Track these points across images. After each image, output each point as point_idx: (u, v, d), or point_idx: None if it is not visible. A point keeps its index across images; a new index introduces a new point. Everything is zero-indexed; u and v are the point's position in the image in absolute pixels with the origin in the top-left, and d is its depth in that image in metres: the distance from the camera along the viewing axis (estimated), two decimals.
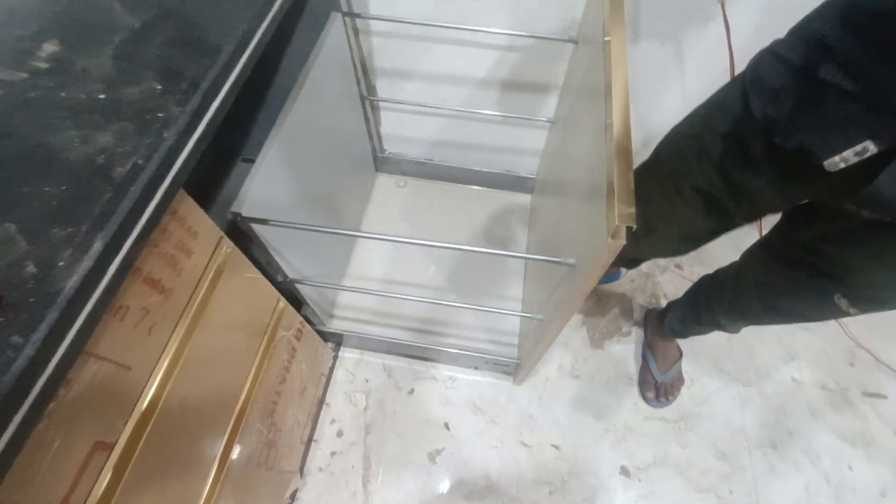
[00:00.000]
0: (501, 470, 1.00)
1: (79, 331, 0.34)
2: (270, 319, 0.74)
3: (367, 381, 1.09)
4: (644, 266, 1.25)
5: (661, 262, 1.27)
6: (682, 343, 1.11)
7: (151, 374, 0.47)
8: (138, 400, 0.46)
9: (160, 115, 0.42)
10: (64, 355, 0.33)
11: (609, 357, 1.13)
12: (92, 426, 0.41)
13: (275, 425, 0.80)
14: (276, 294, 0.75)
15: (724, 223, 0.65)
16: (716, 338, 1.15)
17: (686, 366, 1.10)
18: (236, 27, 0.50)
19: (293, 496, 0.94)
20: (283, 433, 0.85)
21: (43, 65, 0.45)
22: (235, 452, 0.67)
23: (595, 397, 1.08)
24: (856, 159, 0.42)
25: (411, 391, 1.08)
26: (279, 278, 0.78)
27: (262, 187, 0.66)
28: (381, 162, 1.34)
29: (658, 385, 1.05)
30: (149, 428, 0.47)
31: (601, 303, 1.20)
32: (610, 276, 1.18)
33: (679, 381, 1.07)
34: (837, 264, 0.56)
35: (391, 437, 1.03)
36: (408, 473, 0.99)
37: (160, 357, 0.48)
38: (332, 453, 1.01)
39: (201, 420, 0.58)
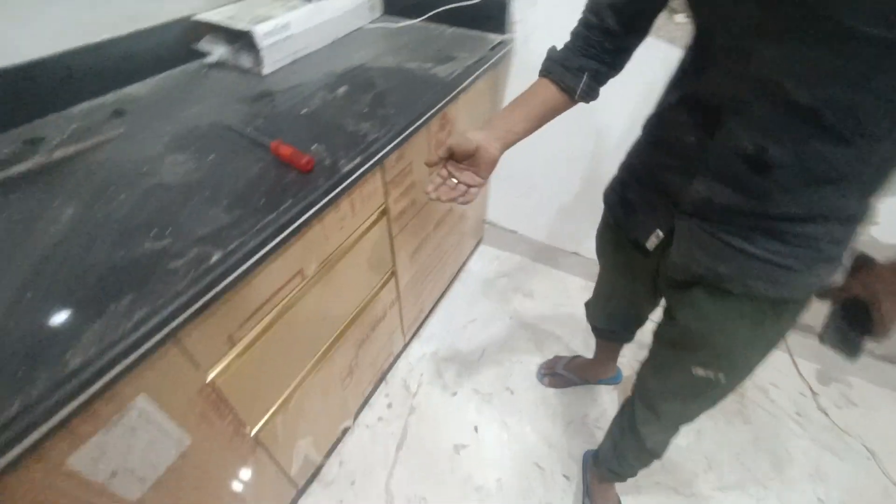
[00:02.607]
0: (513, 480, 1.12)
1: (336, 193, 0.70)
2: (387, 272, 1.07)
3: (421, 374, 1.34)
4: None
5: None
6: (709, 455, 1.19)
7: (338, 246, 0.82)
8: (328, 255, 0.81)
9: (391, 119, 0.83)
10: (327, 202, 0.69)
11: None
12: (301, 258, 0.76)
13: (356, 357, 1.08)
14: (392, 263, 1.09)
15: (637, 292, 0.83)
16: (740, 437, 1.21)
17: (711, 454, 1.17)
18: (432, 99, 0.93)
19: (343, 432, 1.17)
20: (358, 370, 1.12)
21: (340, 94, 0.91)
22: (337, 349, 0.96)
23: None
24: (656, 241, 0.66)
25: (455, 393, 1.29)
26: None
27: None
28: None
29: None
30: (327, 274, 0.81)
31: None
32: (612, 377, 1.29)
33: None
34: (685, 331, 0.67)
35: (429, 422, 1.23)
36: (433, 454, 1.17)
37: (345, 240, 0.84)
38: (379, 418, 1.24)
39: (339, 300, 0.91)
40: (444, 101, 0.94)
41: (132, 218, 0.61)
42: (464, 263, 1.67)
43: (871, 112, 0.44)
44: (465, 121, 1.16)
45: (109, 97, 0.92)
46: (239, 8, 1.07)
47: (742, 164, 0.52)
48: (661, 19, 0.61)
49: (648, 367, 0.79)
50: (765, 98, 0.48)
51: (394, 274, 1.10)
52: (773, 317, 0.60)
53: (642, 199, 0.67)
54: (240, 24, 0.98)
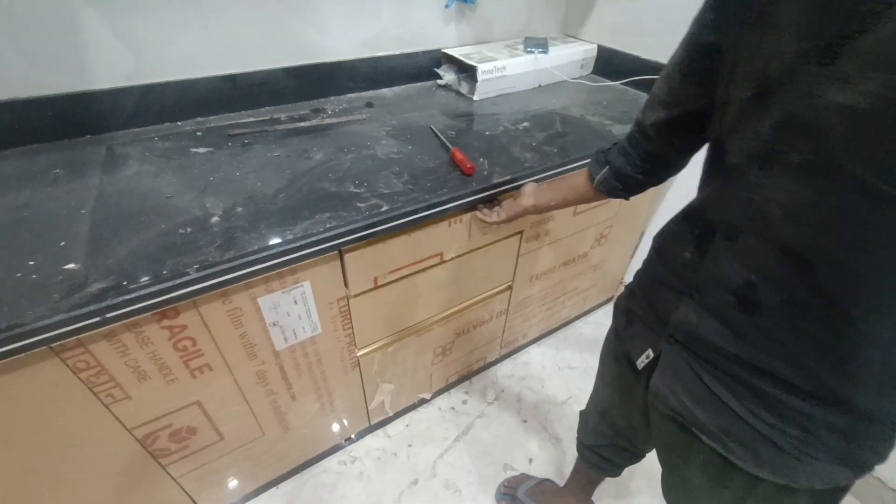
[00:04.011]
0: None
1: (482, 196, 0.88)
2: (504, 284, 1.22)
3: (502, 391, 1.42)
4: None
5: None
6: None
7: (476, 245, 1.01)
8: (467, 249, 1.00)
9: (549, 156, 0.97)
10: (472, 201, 0.88)
11: None
12: (437, 246, 0.96)
13: (453, 344, 1.24)
14: (511, 278, 1.22)
15: (631, 414, 0.74)
16: None
17: None
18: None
19: (419, 401, 1.34)
20: (450, 356, 1.27)
21: (520, 128, 1.10)
22: (440, 326, 1.14)
23: None
24: (647, 360, 0.60)
25: (525, 421, 1.34)
26: None
27: None
28: None
29: None
30: (458, 261, 1.00)
31: None
32: None
33: None
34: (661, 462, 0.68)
35: (492, 432, 1.31)
36: (484, 460, 1.24)
37: (483, 244, 1.02)
38: (452, 407, 1.37)
39: (457, 287, 1.09)
40: None
41: (348, 170, 0.90)
42: (586, 313, 1.68)
43: (868, 279, 0.38)
44: None
45: (368, 93, 1.29)
46: (476, 49, 1.37)
47: (730, 297, 0.47)
48: None
49: None
50: (757, 229, 0.44)
51: (510, 288, 1.23)
52: (743, 491, 0.52)
53: (642, 312, 0.62)
54: (470, 60, 1.26)
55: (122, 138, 0.98)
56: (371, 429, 1.30)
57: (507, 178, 0.90)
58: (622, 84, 1.39)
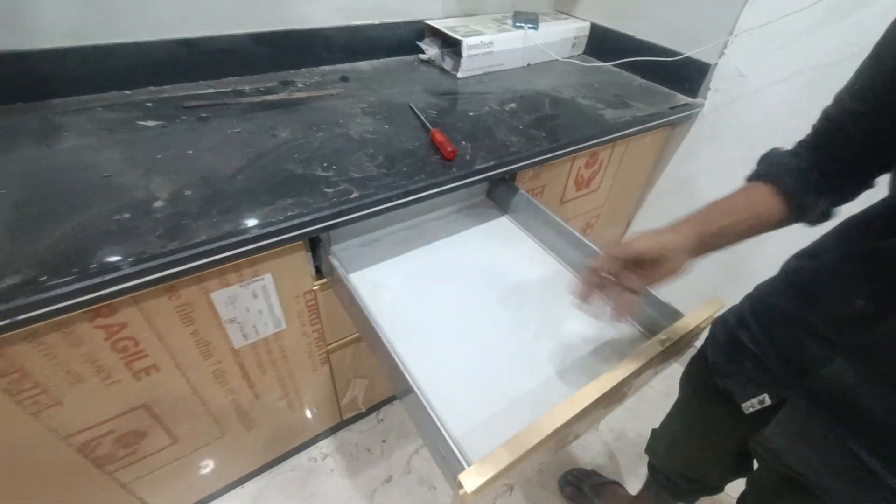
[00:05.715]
0: None
1: (464, 183, 0.81)
2: None
3: None
4: None
5: None
6: None
7: None
8: None
9: (537, 141, 0.90)
10: (453, 187, 0.80)
11: None
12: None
13: None
14: None
15: (713, 452, 0.69)
16: None
17: None
18: (585, 135, 0.97)
19: (394, 396, 1.28)
20: None
21: (507, 109, 1.02)
22: None
23: None
24: (759, 406, 0.52)
25: None
26: None
27: None
28: None
29: None
30: None
31: None
32: None
33: None
34: None
35: None
36: None
37: None
38: None
39: None
40: (594, 141, 0.97)
41: (317, 150, 0.82)
42: None
43: None
44: (616, 166, 1.16)
45: (344, 66, 1.19)
46: (462, 21, 1.27)
47: None
48: None
49: None
50: None
51: None
52: None
53: (758, 349, 0.52)
54: (455, 34, 1.17)
55: (61, 107, 0.87)
56: (343, 424, 1.24)
57: (492, 163, 0.83)
58: (615, 66, 1.31)
